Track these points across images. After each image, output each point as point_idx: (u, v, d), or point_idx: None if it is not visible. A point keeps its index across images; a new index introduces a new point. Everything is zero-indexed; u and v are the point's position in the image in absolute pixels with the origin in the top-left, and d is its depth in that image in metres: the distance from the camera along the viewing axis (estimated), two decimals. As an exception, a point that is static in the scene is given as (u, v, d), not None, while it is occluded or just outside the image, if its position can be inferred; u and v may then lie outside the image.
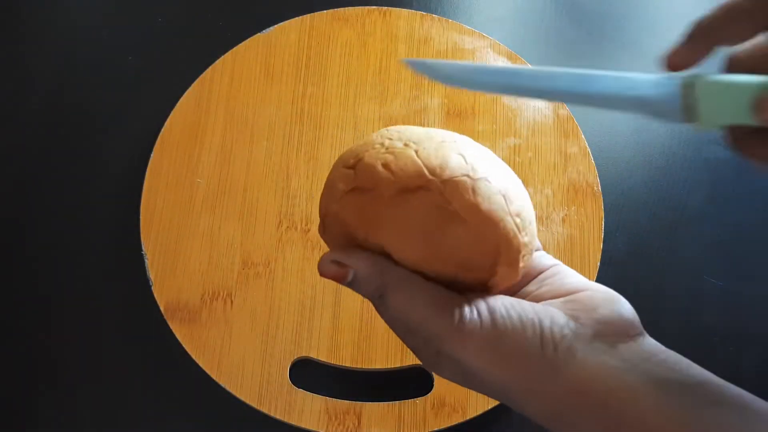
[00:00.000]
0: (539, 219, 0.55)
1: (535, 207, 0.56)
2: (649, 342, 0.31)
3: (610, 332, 0.30)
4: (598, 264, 0.53)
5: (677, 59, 0.28)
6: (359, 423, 0.48)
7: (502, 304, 0.30)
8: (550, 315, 0.30)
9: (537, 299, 0.33)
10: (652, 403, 0.28)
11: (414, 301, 0.29)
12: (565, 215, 0.55)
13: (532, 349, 0.29)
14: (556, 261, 0.35)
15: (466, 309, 0.29)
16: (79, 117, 0.60)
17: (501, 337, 0.29)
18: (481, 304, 0.29)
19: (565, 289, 0.32)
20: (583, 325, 0.30)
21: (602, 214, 0.55)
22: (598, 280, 0.53)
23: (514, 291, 0.34)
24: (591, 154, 0.58)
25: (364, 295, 0.31)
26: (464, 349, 0.29)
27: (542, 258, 0.35)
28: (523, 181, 0.56)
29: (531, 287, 0.34)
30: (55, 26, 0.64)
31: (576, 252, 0.54)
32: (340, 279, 0.31)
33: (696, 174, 0.59)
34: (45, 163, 0.58)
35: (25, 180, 0.58)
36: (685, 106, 0.28)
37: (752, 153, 0.28)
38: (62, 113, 0.60)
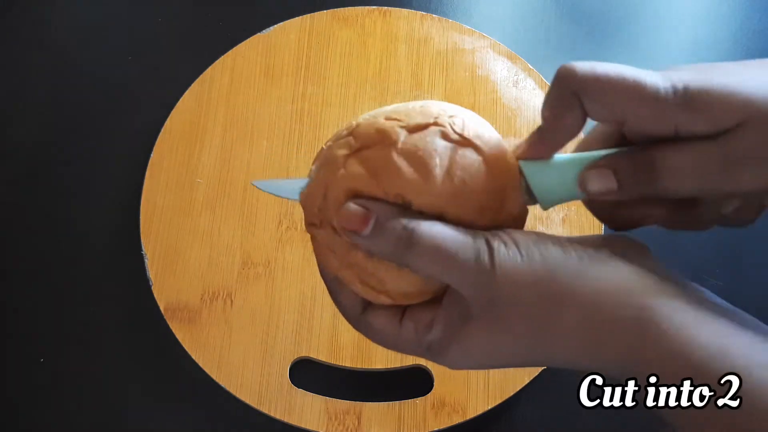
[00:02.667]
0: (539, 219, 0.55)
1: (535, 207, 0.56)
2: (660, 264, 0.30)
3: (636, 252, 0.29)
4: (598, 264, 0.53)
5: (526, 152, 0.30)
6: (359, 423, 0.48)
7: (524, 237, 0.29)
8: (568, 242, 0.29)
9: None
10: (692, 319, 0.27)
11: (446, 233, 0.28)
12: (565, 216, 0.55)
13: (557, 260, 0.28)
14: None
15: (492, 239, 0.28)
16: (78, 117, 0.60)
17: (530, 259, 0.28)
18: (506, 237, 0.29)
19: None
20: (599, 250, 0.29)
21: (602, 214, 0.55)
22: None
23: None
24: (591, 154, 0.58)
25: (388, 250, 0.29)
26: (497, 275, 0.28)
27: None
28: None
29: None
30: (55, 26, 0.64)
31: (576, 252, 0.54)
32: (362, 224, 0.28)
33: (696, 174, 0.59)
34: (45, 163, 0.58)
35: (25, 180, 0.58)
36: (526, 189, 0.30)
37: (603, 218, 0.32)
38: (62, 113, 0.60)
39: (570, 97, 0.28)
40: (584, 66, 0.28)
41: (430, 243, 0.28)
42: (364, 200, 0.29)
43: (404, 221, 0.28)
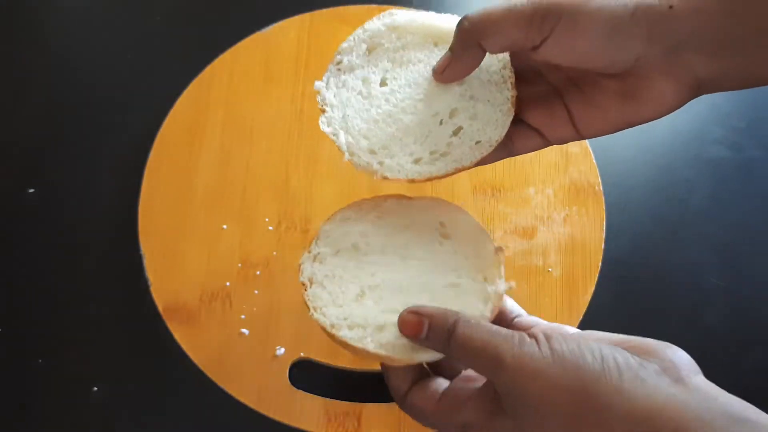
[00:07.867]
0: (541, 219, 0.54)
1: (536, 207, 0.56)
2: (707, 382, 0.31)
3: (674, 370, 0.30)
4: (600, 264, 0.53)
5: (449, 75, 0.39)
6: (359, 424, 0.48)
7: (559, 334, 0.32)
8: (612, 347, 0.31)
9: None
10: None
11: (479, 329, 0.33)
12: (567, 215, 0.55)
13: (594, 373, 0.30)
14: (536, 321, 0.39)
15: (525, 336, 0.32)
16: (77, 116, 0.60)
17: (561, 361, 0.30)
18: (539, 334, 0.31)
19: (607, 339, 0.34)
20: (647, 360, 0.30)
21: (604, 213, 0.55)
22: (600, 280, 0.53)
23: None
24: (592, 154, 0.57)
25: (436, 344, 0.34)
26: (523, 372, 0.30)
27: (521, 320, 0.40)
28: (525, 181, 0.56)
29: None
30: (54, 24, 0.64)
31: (577, 252, 0.53)
32: (418, 330, 0.34)
33: (698, 173, 0.58)
34: (42, 162, 0.58)
35: (23, 180, 0.57)
36: None
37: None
38: (60, 112, 0.60)
39: (473, 46, 0.36)
40: (480, 17, 0.35)
41: (464, 334, 0.33)
42: (417, 307, 0.35)
43: (448, 322, 0.33)
